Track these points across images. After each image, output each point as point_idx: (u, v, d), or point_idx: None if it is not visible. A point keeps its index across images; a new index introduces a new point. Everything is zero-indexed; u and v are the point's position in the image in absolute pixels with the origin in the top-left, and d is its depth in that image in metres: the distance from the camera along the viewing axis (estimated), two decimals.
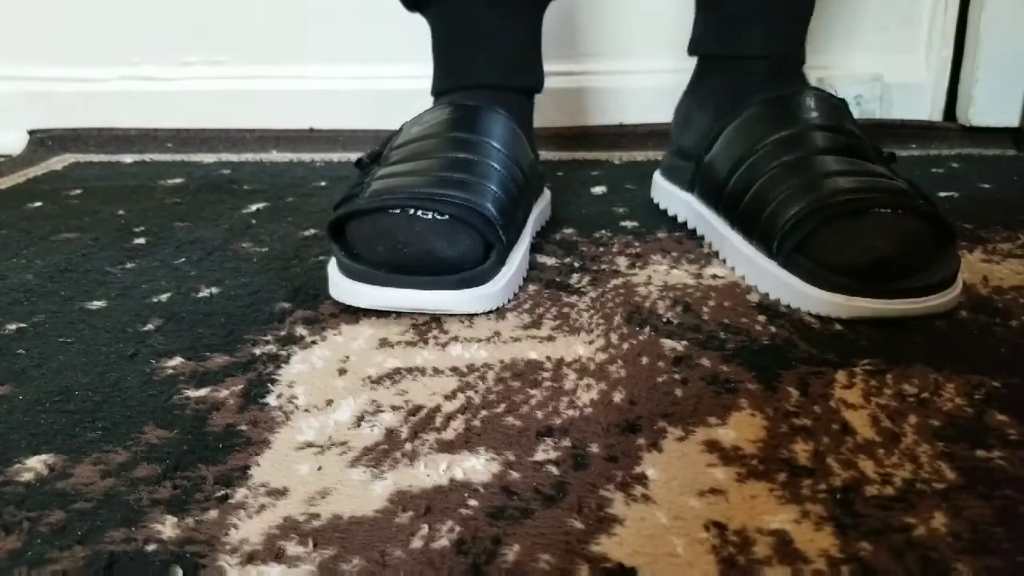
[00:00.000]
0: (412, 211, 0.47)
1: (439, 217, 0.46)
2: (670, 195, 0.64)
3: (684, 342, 0.44)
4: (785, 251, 0.47)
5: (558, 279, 0.53)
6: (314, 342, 0.45)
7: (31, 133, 0.97)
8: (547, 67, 0.64)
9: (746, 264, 0.51)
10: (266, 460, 0.35)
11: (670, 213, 0.64)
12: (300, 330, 0.46)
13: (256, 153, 0.92)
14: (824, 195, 0.47)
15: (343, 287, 0.47)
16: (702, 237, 0.59)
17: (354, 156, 0.84)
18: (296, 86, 0.96)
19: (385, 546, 0.29)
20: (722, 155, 0.56)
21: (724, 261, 0.54)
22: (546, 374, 0.41)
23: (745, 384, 0.40)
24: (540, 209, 0.61)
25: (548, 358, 0.43)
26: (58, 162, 0.90)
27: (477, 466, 0.34)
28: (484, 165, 0.50)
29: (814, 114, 0.53)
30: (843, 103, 0.55)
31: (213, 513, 0.31)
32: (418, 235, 0.46)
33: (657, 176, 0.67)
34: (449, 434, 0.36)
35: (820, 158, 0.50)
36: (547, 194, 0.64)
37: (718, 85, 0.60)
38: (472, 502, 0.32)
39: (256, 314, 0.49)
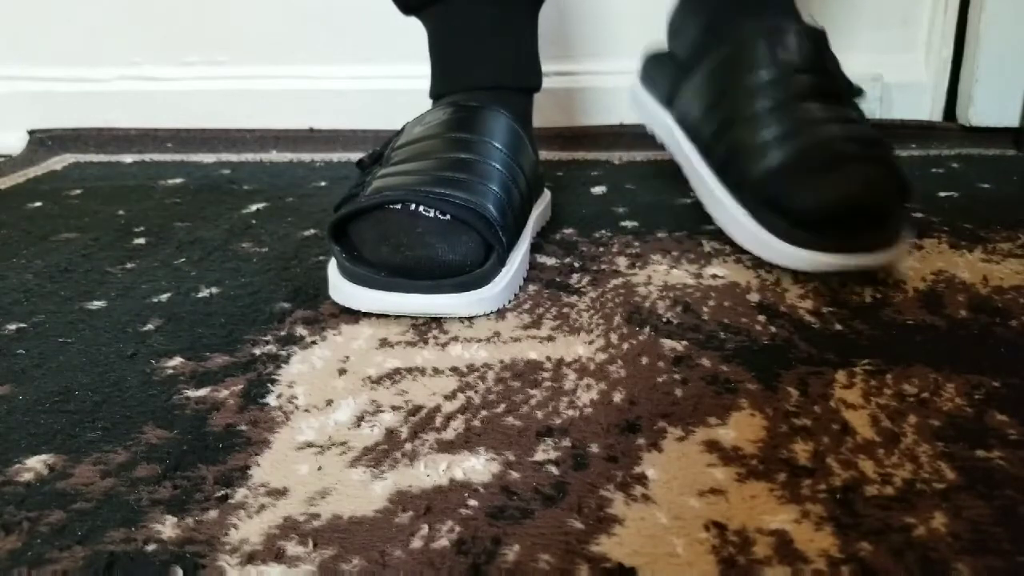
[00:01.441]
0: (413, 207, 0.47)
1: (440, 216, 0.46)
2: (648, 111, 0.63)
3: (684, 342, 0.44)
4: (755, 202, 0.48)
5: (558, 279, 0.53)
6: (314, 342, 0.45)
7: (31, 133, 0.97)
8: (546, 67, 0.64)
9: (717, 207, 0.52)
10: (266, 460, 0.35)
11: (647, 130, 0.64)
12: (300, 330, 0.46)
13: (256, 153, 0.92)
14: (799, 149, 0.47)
15: (344, 291, 0.47)
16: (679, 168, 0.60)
17: (354, 156, 0.84)
18: (296, 86, 0.96)
19: (385, 546, 0.29)
20: (701, 87, 0.56)
21: (691, 192, 0.55)
22: (546, 374, 0.41)
23: (745, 384, 0.40)
24: (540, 209, 0.61)
25: (548, 358, 0.43)
26: (58, 162, 0.90)
27: (477, 466, 0.34)
28: (485, 165, 0.50)
29: (795, 56, 0.53)
30: (822, 35, 0.55)
31: (213, 513, 0.31)
32: (420, 237, 0.46)
33: (636, 86, 0.66)
34: (449, 434, 0.36)
35: (797, 106, 0.50)
36: (547, 194, 0.64)
37: None
38: (472, 502, 0.32)
39: (256, 314, 0.49)
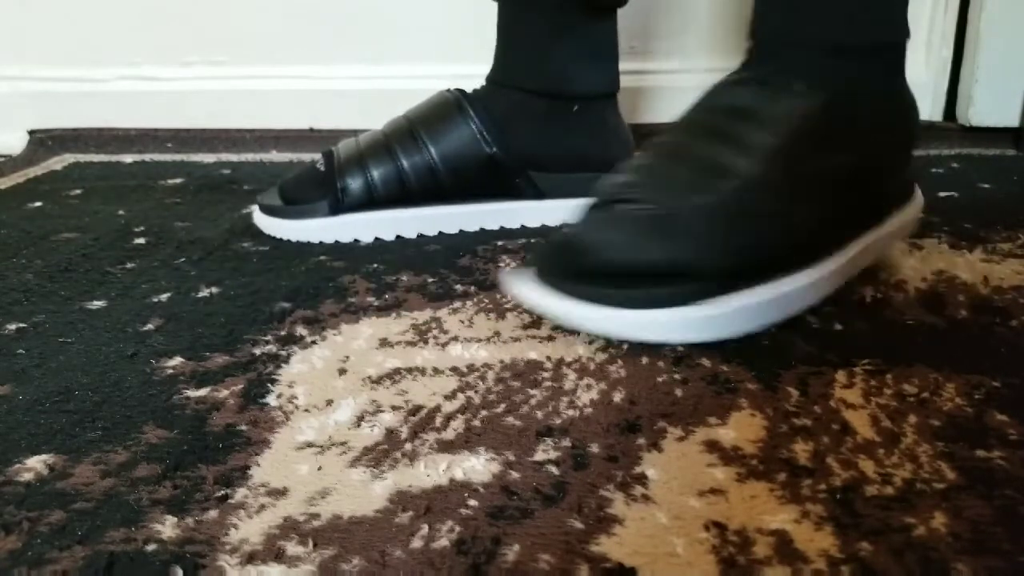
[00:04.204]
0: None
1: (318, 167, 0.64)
2: None
3: None
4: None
5: None
6: (314, 342, 0.45)
7: (31, 133, 0.97)
8: None
9: None
10: (266, 460, 0.35)
11: None
12: (300, 330, 0.46)
13: (256, 153, 0.92)
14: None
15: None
16: None
17: None
18: (296, 86, 0.96)
19: (385, 546, 0.29)
20: None
21: None
22: (546, 374, 0.41)
23: (745, 384, 0.40)
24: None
25: (548, 358, 0.43)
26: (58, 162, 0.90)
27: (477, 466, 0.34)
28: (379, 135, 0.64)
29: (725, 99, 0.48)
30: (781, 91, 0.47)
31: (213, 513, 0.31)
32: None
33: None
34: (449, 434, 0.36)
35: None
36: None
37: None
38: (472, 502, 0.32)
39: (256, 314, 0.49)
